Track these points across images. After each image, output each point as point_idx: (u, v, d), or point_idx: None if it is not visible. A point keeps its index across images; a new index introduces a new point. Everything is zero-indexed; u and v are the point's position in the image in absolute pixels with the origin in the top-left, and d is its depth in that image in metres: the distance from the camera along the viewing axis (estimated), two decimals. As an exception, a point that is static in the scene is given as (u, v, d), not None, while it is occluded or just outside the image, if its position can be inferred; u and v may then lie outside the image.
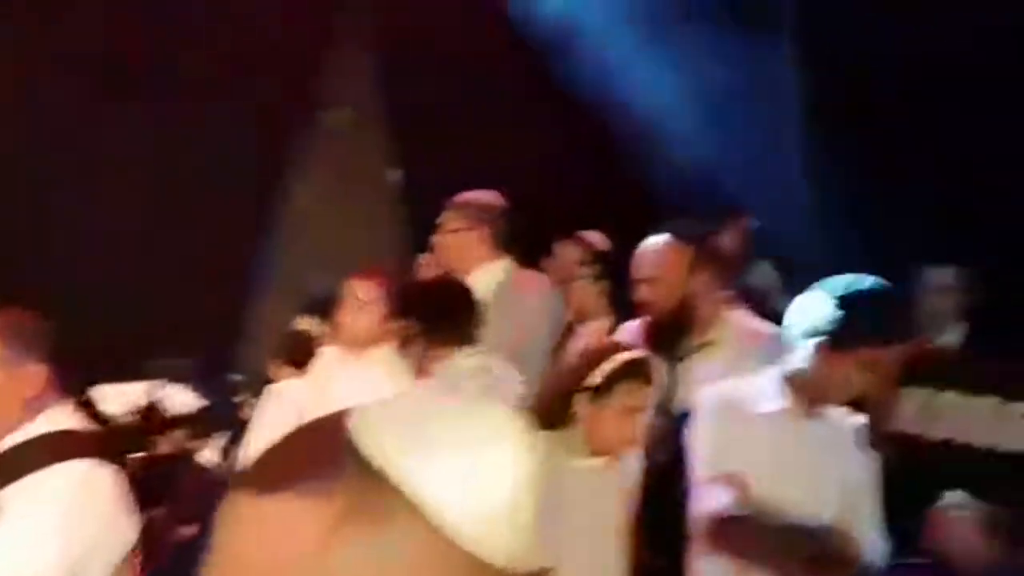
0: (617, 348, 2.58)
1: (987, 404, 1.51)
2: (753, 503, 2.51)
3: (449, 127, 5.00)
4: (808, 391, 2.55)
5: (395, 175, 5.64)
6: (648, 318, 3.08)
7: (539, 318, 3.54)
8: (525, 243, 3.75)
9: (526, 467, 0.83)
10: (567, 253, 4.17)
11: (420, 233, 4.21)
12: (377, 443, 0.80)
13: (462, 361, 3.04)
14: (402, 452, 0.78)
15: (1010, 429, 1.48)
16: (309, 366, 3.86)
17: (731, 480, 2.53)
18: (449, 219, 3.58)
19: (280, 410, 3.73)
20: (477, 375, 3.02)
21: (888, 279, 3.61)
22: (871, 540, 2.56)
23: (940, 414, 1.55)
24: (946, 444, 1.54)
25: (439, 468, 0.77)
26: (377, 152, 5.64)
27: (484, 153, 4.58)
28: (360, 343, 3.22)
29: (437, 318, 3.11)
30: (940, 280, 3.55)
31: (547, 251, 4.27)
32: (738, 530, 2.53)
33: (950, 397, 1.55)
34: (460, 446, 0.80)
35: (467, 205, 3.56)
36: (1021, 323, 3.55)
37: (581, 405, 2.47)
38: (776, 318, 3.75)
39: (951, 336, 3.51)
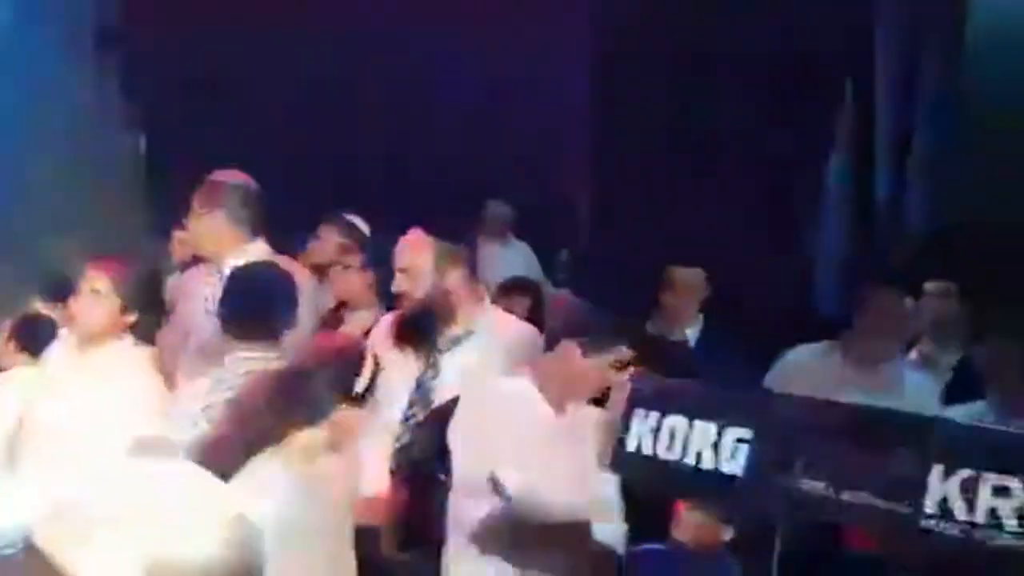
0: (359, 348, 2.54)
1: (708, 428, 1.58)
2: (513, 500, 2.56)
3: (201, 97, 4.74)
4: (560, 388, 2.64)
5: (142, 144, 5.27)
6: (403, 309, 3.04)
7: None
8: (280, 225, 3.58)
9: (218, 533, 0.81)
10: (330, 237, 4.02)
11: (170, 206, 3.96)
12: (48, 535, 0.76)
13: (247, 359, 2.82)
14: (75, 543, 0.75)
15: (726, 452, 1.57)
16: (44, 353, 3.57)
17: (491, 478, 2.57)
18: (197, 200, 3.36)
19: (5, 403, 3.42)
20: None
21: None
22: (617, 527, 2.69)
23: (669, 433, 1.62)
24: (676, 463, 1.62)
25: (109, 555, 0.76)
26: (122, 119, 5.25)
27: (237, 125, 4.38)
28: (94, 334, 2.99)
29: (234, 309, 2.86)
30: (685, 278, 3.73)
31: (307, 233, 4.12)
32: (498, 528, 2.57)
33: (676, 420, 1.62)
34: (139, 528, 0.78)
35: (215, 185, 3.35)
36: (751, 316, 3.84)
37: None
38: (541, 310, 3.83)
39: (691, 331, 3.72)
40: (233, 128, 4.56)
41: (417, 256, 2.99)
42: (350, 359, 2.51)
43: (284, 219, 3.61)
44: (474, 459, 2.60)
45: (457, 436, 2.64)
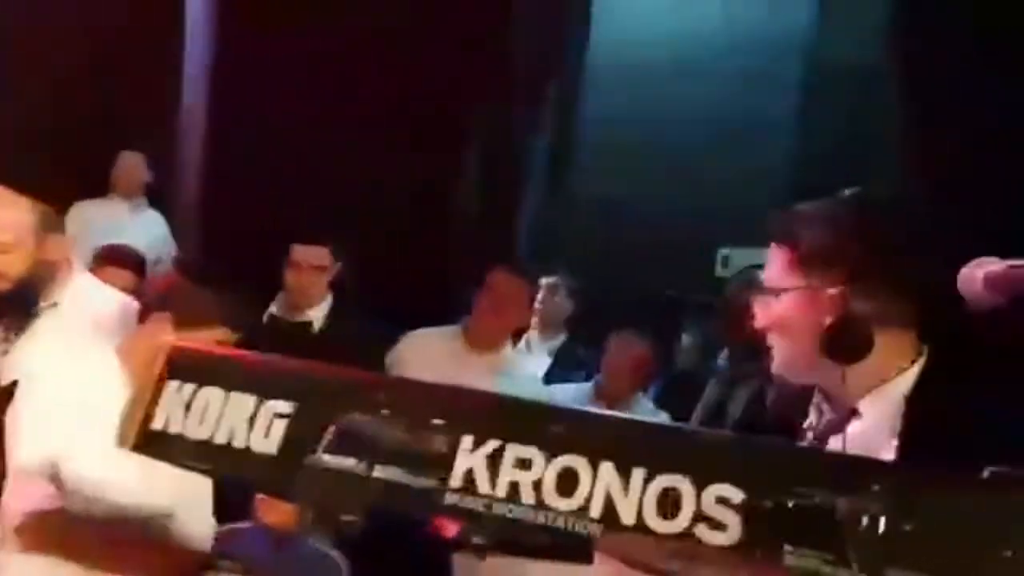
0: None
1: (246, 402, 1.45)
2: (72, 493, 2.31)
3: None
4: (145, 366, 2.39)
5: None
6: None
7: None
8: None
9: None
10: None
11: None
12: None
13: None
14: None
15: (261, 428, 1.44)
16: None
17: (51, 467, 2.31)
18: None
19: None
20: None
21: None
22: (206, 516, 2.52)
23: (202, 409, 1.47)
24: (206, 442, 1.47)
25: None
26: None
27: None
28: None
29: None
30: (308, 257, 3.64)
31: None
32: (54, 524, 2.30)
33: (212, 392, 1.47)
34: None
35: None
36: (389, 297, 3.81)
37: None
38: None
39: (317, 311, 3.63)
40: None
41: (12, 226, 2.57)
42: None
43: None
44: (34, 446, 2.32)
45: (15, 420, 2.34)
